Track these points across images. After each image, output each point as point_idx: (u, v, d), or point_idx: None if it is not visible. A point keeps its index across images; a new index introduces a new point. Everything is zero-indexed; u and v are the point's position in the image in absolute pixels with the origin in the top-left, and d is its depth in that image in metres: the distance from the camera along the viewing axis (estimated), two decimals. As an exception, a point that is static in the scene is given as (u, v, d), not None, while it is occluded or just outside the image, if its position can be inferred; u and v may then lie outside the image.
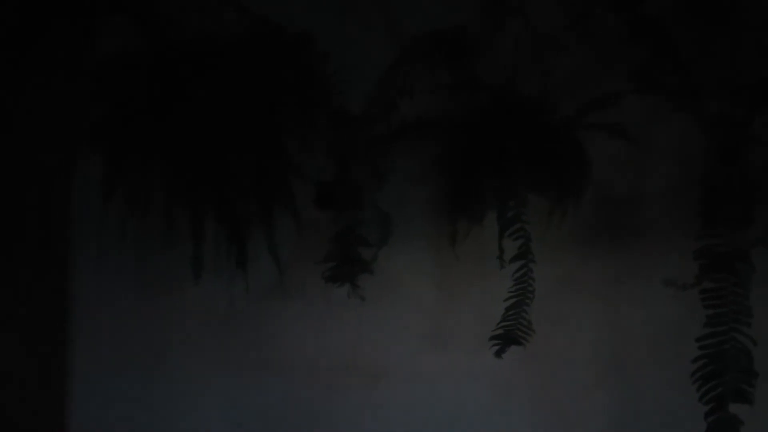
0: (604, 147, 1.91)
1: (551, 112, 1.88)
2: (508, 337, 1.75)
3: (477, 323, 1.93)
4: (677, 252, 1.84)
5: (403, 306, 2.07)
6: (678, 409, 1.91)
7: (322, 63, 1.88)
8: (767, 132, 1.77)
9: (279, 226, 1.84)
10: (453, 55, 1.89)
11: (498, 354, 1.75)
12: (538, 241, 1.80)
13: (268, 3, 1.87)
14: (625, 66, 1.85)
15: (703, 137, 1.80)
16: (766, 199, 1.72)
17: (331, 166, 1.91)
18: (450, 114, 1.89)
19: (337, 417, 2.08)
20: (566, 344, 2.05)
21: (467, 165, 1.86)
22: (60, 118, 1.87)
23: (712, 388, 1.58)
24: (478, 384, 2.05)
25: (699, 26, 1.84)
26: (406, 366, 2.07)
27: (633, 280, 2.03)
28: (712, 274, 1.65)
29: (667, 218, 2.00)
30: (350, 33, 1.95)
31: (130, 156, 1.81)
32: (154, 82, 1.80)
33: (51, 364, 2.04)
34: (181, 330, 2.08)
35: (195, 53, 1.82)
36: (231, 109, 1.81)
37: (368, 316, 2.04)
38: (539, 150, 1.84)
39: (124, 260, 2.03)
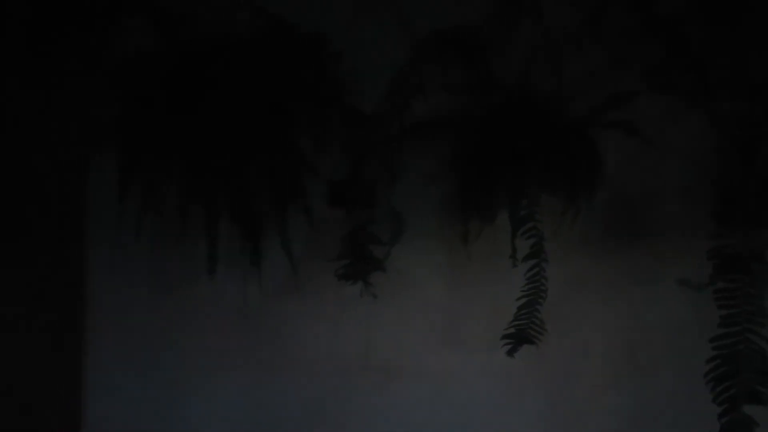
0: (617, 146, 1.90)
1: (564, 111, 1.87)
2: (520, 336, 1.75)
3: (489, 322, 1.93)
4: (691, 252, 1.83)
5: (416, 304, 2.07)
6: (691, 410, 1.90)
7: (335, 62, 1.88)
8: (782, 131, 1.76)
9: (292, 224, 1.85)
10: (466, 55, 1.89)
11: (510, 353, 1.75)
12: (550, 241, 1.80)
13: (281, 3, 1.88)
14: (638, 65, 1.85)
15: (717, 136, 1.79)
16: (780, 199, 1.71)
17: (344, 164, 1.91)
18: (463, 113, 1.89)
19: (349, 414, 2.08)
20: (579, 343, 2.04)
21: (480, 164, 1.85)
22: (77, 116, 1.88)
23: (725, 389, 1.57)
24: (491, 383, 2.05)
25: (712, 25, 1.83)
26: (418, 364, 2.07)
27: (646, 279, 2.02)
28: (726, 274, 1.64)
29: (681, 218, 1.99)
30: (363, 33, 1.95)
31: (146, 154, 1.82)
32: (170, 82, 1.81)
33: (66, 359, 2.06)
34: (195, 327, 2.09)
35: (209, 53, 1.83)
36: (245, 108, 1.82)
37: (380, 314, 2.05)
38: (552, 149, 1.84)
39: (139, 257, 2.04)
